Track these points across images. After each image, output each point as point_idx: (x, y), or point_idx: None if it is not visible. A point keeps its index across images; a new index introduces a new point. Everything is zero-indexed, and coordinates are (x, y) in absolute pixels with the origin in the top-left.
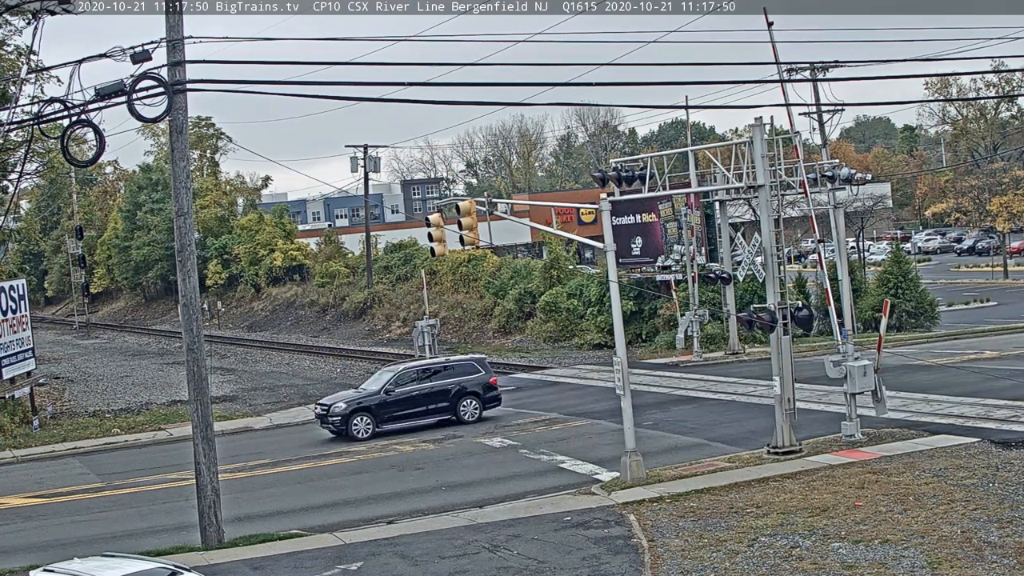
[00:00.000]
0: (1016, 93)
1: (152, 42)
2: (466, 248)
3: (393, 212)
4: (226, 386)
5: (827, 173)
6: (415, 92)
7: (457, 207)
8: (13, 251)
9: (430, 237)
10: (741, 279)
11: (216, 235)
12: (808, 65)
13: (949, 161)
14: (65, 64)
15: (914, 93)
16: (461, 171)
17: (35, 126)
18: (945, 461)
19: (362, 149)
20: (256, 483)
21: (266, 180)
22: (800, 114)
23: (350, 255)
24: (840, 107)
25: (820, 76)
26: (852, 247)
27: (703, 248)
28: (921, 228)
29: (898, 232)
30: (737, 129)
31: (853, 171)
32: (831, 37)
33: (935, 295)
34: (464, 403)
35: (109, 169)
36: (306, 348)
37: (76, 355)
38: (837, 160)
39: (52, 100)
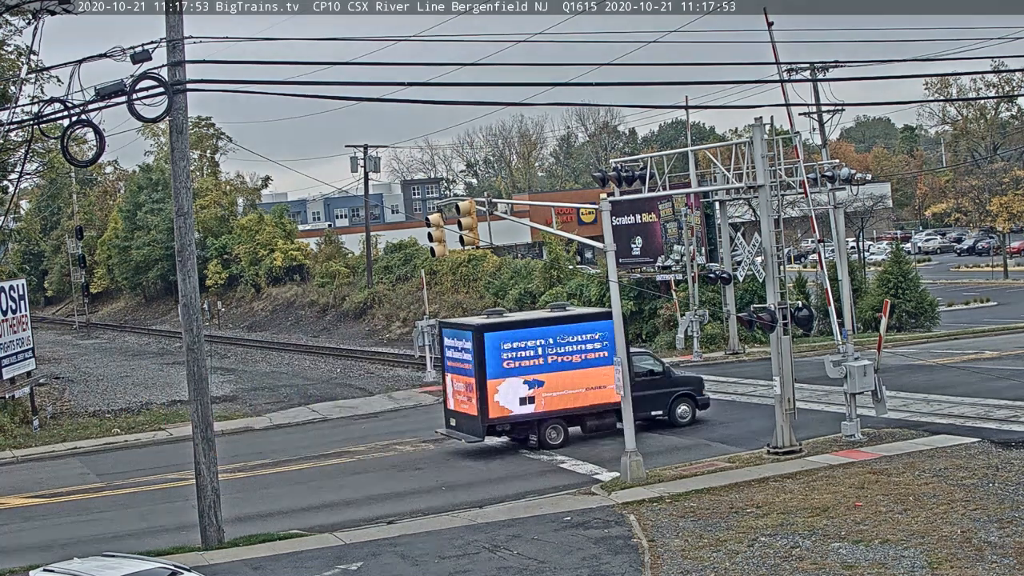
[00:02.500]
0: (1016, 93)
1: (152, 42)
2: (466, 248)
3: (393, 212)
4: (226, 386)
5: (827, 173)
6: (415, 92)
7: (457, 207)
8: (13, 251)
9: (430, 237)
10: (741, 279)
11: (216, 235)
12: (808, 65)
13: (949, 161)
14: (65, 64)
15: (914, 93)
16: (461, 171)
17: (35, 126)
18: (945, 461)
19: (362, 149)
20: (256, 483)
21: (266, 180)
22: (800, 114)
23: (350, 255)
24: (840, 107)
25: (820, 76)
26: (852, 247)
27: (703, 248)
28: (921, 228)
29: (898, 232)
30: (737, 129)
31: (853, 171)
32: (831, 37)
33: (935, 295)
34: None
35: (109, 169)
36: (306, 348)
37: (76, 355)
38: (837, 160)
39: (52, 100)
